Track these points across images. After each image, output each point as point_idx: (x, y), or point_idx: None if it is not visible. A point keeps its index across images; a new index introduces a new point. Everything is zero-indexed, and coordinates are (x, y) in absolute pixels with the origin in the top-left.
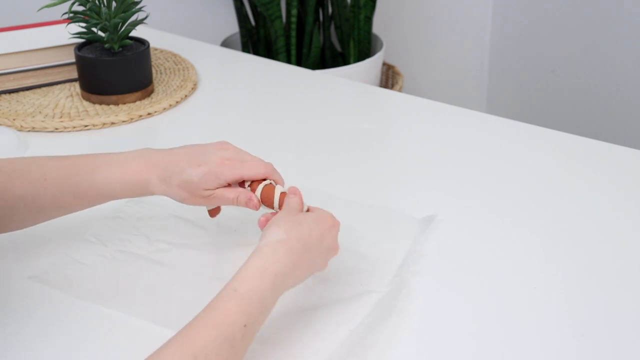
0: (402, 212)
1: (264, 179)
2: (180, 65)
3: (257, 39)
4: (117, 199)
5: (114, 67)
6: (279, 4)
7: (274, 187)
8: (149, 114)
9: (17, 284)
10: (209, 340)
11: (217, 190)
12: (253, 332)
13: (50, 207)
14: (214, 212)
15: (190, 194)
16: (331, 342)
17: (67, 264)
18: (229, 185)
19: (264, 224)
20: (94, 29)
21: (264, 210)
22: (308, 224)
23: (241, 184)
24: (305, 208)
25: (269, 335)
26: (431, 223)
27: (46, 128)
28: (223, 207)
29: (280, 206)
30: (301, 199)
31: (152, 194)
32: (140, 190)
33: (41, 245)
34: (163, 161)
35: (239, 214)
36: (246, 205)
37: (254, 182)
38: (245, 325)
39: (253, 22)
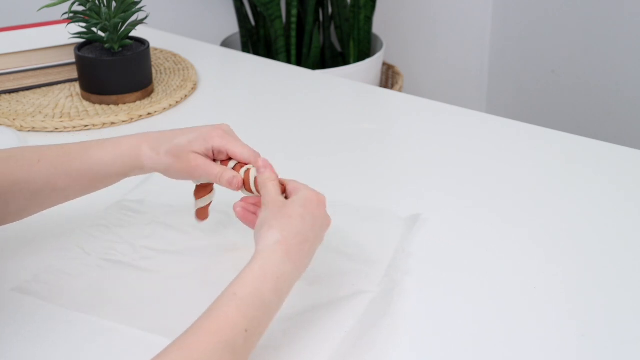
0: (388, 211)
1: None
2: (180, 65)
3: (257, 39)
4: (109, 177)
5: (114, 67)
6: (279, 4)
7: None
8: (149, 114)
9: (0, 296)
10: (210, 347)
11: (203, 160)
12: (255, 337)
13: (44, 189)
14: (201, 214)
15: (176, 158)
16: (328, 344)
17: (50, 275)
18: (214, 161)
19: (241, 214)
20: (94, 29)
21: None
22: (298, 213)
23: (224, 163)
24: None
25: (265, 340)
26: (418, 221)
27: (46, 128)
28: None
29: (258, 190)
30: (276, 179)
31: (143, 167)
32: (132, 163)
33: (22, 256)
34: (157, 134)
35: (222, 218)
36: (228, 184)
37: (236, 166)
38: (246, 330)
39: (253, 22)
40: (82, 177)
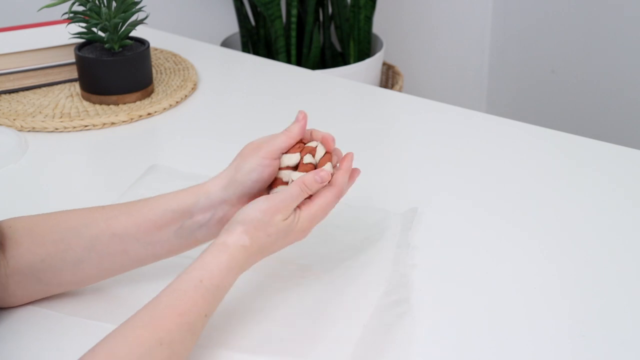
0: (386, 209)
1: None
2: (180, 65)
3: (257, 39)
4: (172, 214)
5: (114, 67)
6: (279, 4)
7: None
8: (149, 114)
9: (8, 307)
10: (175, 328)
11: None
12: (207, 320)
13: (103, 233)
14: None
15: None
16: (349, 339)
17: None
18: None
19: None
20: (94, 29)
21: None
22: (277, 236)
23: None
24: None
25: (284, 341)
26: (417, 216)
27: (46, 128)
28: None
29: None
30: (318, 178)
31: (208, 192)
32: (195, 191)
33: None
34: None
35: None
36: (320, 181)
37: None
38: (205, 315)
39: (253, 22)
40: (141, 219)
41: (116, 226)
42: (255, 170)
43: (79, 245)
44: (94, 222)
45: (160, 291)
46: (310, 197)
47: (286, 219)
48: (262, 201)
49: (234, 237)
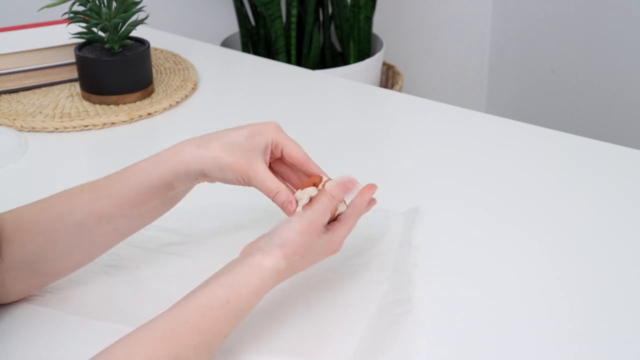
0: (385, 208)
1: (313, 181)
2: (180, 65)
3: (257, 39)
4: (152, 192)
5: (114, 67)
6: (279, 4)
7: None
8: (149, 114)
9: (8, 307)
10: (193, 345)
11: (263, 166)
12: (224, 340)
13: (88, 218)
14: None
15: (228, 153)
16: (350, 338)
17: (58, 283)
18: (272, 168)
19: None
20: (94, 29)
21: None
22: (309, 258)
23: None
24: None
25: (286, 343)
26: (418, 215)
27: (46, 128)
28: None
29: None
30: (335, 208)
31: (188, 169)
32: (174, 166)
33: None
34: (202, 135)
35: (233, 219)
36: (282, 207)
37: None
38: (224, 336)
39: (253, 22)
40: (123, 198)
41: (99, 210)
42: (228, 177)
43: (67, 232)
44: (76, 209)
45: (183, 298)
46: (335, 219)
47: (321, 237)
48: (296, 221)
49: (272, 261)
